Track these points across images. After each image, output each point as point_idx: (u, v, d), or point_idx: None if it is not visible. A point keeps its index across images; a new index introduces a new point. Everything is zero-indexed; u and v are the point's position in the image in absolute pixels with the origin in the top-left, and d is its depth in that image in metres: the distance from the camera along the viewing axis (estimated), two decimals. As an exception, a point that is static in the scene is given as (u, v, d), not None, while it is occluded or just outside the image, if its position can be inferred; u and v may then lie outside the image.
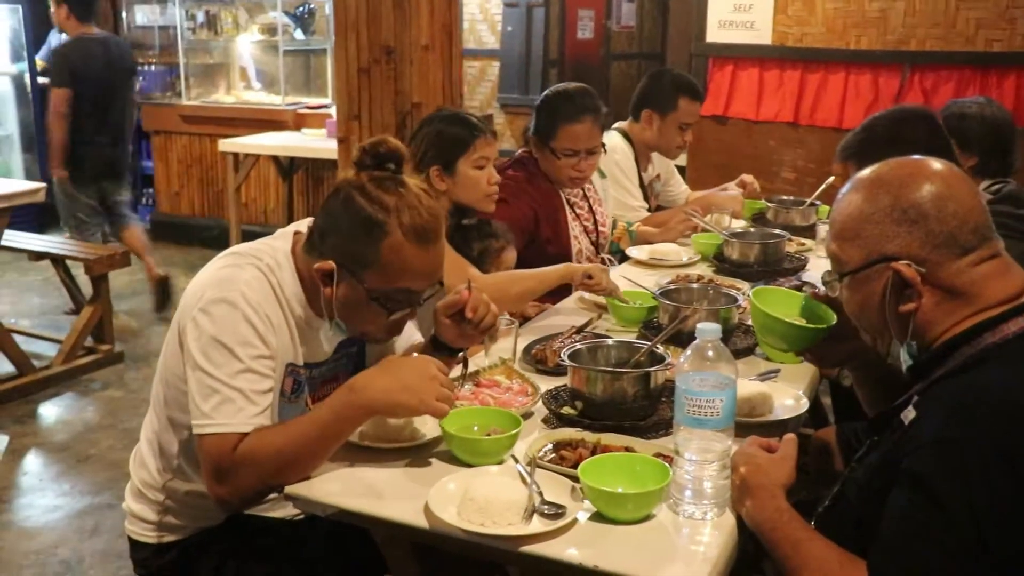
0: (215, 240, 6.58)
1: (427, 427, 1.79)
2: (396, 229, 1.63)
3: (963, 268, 1.38)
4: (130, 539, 1.91)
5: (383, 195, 1.65)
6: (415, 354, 1.86)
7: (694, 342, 1.49)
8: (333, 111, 5.37)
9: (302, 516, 1.81)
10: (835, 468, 1.91)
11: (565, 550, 1.41)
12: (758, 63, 5.33)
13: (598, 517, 1.49)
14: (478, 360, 2.10)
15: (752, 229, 3.34)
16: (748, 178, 3.91)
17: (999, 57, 4.75)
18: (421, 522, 1.50)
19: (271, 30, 7.00)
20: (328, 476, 1.65)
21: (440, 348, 1.93)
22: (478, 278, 2.43)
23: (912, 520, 1.27)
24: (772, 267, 2.93)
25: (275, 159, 6.49)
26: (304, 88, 7.36)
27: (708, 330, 1.47)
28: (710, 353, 1.47)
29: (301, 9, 7.21)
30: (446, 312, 1.90)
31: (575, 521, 1.48)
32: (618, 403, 1.81)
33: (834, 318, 1.73)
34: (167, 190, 7.30)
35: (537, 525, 1.46)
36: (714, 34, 5.40)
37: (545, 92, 3.12)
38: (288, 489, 1.61)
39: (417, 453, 1.73)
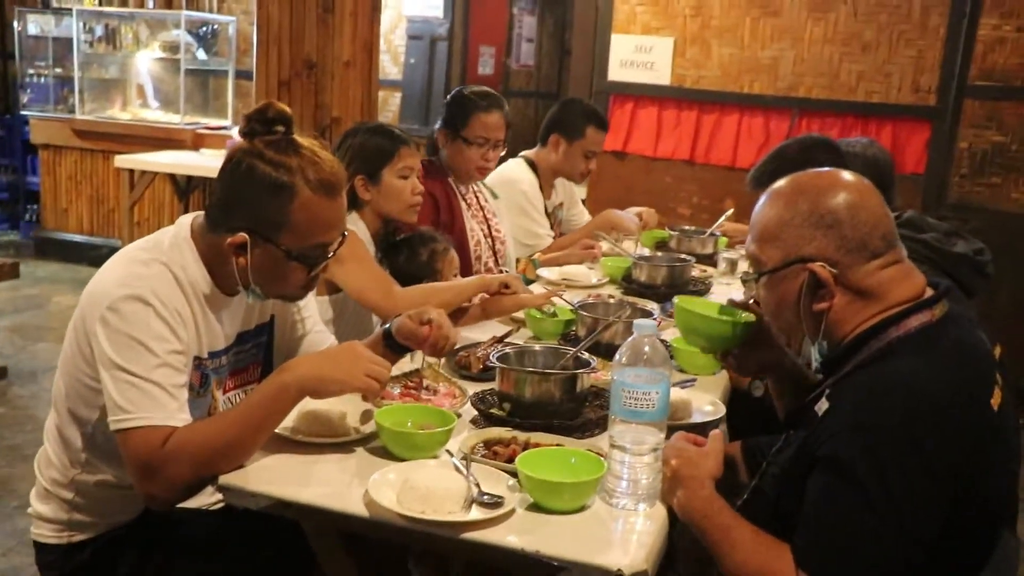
0: (104, 259, 6.35)
1: (360, 423, 1.80)
2: (304, 187, 1.66)
3: (872, 271, 1.50)
4: (36, 543, 1.85)
5: (284, 158, 1.67)
6: None
7: (631, 338, 1.55)
8: (234, 132, 5.31)
9: (221, 505, 1.77)
10: (740, 480, 1.99)
11: (505, 536, 1.45)
12: (657, 102, 5.55)
13: (535, 508, 1.53)
14: (404, 365, 2.13)
15: (659, 254, 3.48)
16: (645, 214, 3.90)
17: (877, 108, 5.10)
18: (361, 511, 1.51)
19: (173, 48, 6.88)
20: (262, 468, 1.64)
21: (391, 345, 2.00)
22: (398, 293, 2.46)
23: (832, 502, 1.35)
24: (678, 289, 3.05)
25: (172, 178, 6.35)
26: (203, 108, 7.22)
27: (645, 326, 1.54)
28: (647, 348, 1.53)
29: (205, 29, 7.12)
30: (404, 338, 1.99)
31: (513, 511, 1.51)
32: (546, 404, 1.86)
33: (753, 318, 1.83)
34: (54, 206, 7.03)
35: (477, 513, 1.48)
36: (616, 72, 5.59)
37: (454, 91, 3.27)
38: (222, 480, 1.59)
39: (351, 448, 1.73)
